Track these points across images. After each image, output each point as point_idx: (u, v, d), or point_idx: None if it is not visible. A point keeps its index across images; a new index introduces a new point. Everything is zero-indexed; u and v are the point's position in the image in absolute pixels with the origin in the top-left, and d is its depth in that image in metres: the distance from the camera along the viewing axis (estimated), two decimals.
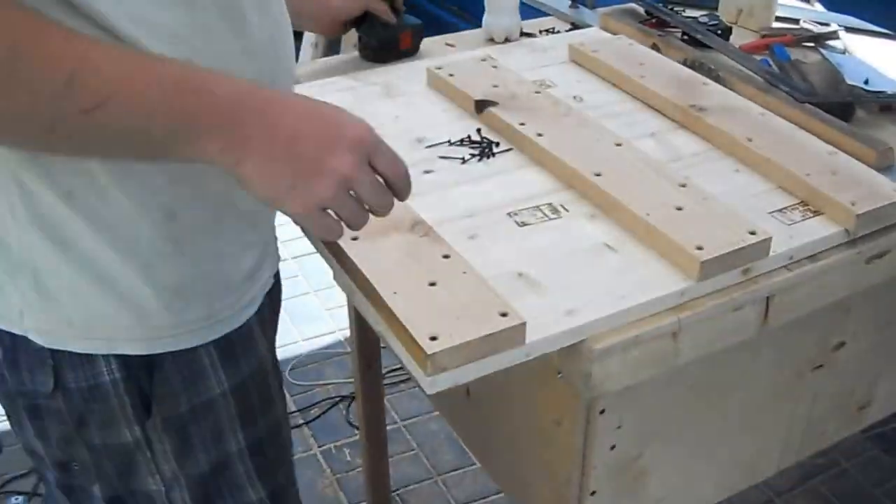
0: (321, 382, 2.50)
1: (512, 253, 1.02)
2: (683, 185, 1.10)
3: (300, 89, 1.24)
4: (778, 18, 1.75)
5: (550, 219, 1.08)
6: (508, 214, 1.09)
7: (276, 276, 1.07)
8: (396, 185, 0.84)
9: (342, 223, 0.83)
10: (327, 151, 0.79)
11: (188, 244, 0.90)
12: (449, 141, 1.25)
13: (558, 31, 1.73)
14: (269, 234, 1.03)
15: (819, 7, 1.91)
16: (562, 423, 1.05)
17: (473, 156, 1.22)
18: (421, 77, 1.43)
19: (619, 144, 1.19)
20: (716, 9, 1.77)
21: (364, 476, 2.11)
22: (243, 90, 0.79)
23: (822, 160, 1.19)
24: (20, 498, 2.11)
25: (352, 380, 2.16)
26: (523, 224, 1.07)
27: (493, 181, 1.16)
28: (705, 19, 1.67)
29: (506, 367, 0.89)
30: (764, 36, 1.69)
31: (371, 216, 0.84)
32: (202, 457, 1.01)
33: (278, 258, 1.07)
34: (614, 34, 1.63)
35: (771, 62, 1.55)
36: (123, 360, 0.92)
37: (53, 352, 0.91)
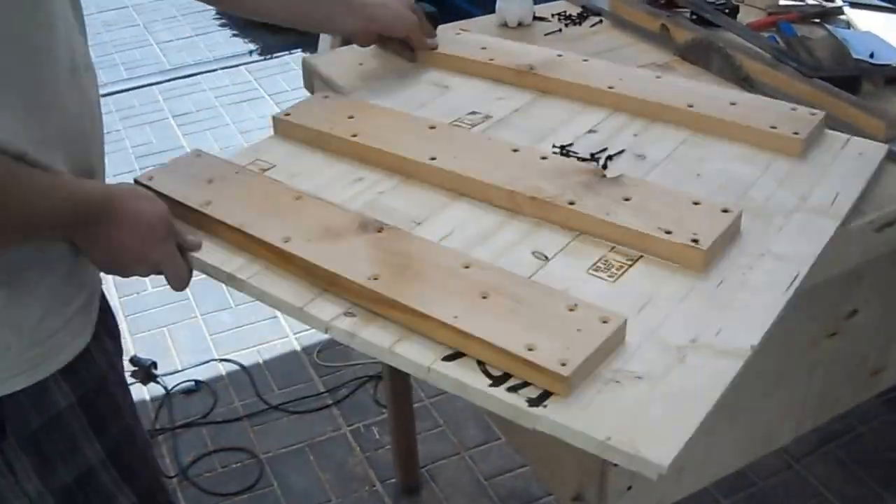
0: (349, 363, 2.52)
1: None
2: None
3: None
4: None
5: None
6: None
7: (104, 306, 1.13)
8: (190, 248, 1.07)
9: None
10: (146, 245, 1.01)
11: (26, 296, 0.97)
12: None
13: (570, 15, 1.76)
14: (97, 278, 1.10)
15: None
16: None
17: None
18: None
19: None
20: None
21: (393, 453, 2.16)
22: (81, 200, 0.96)
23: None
24: None
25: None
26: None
27: None
28: None
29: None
30: (770, 13, 1.71)
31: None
32: (62, 469, 1.05)
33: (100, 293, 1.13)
34: (625, 17, 1.67)
35: (778, 39, 1.58)
36: None
37: None
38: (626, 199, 1.07)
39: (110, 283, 2.66)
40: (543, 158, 1.17)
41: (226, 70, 4.41)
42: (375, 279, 0.97)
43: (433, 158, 1.18)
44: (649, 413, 0.83)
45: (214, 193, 1.14)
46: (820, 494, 2.10)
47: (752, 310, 0.95)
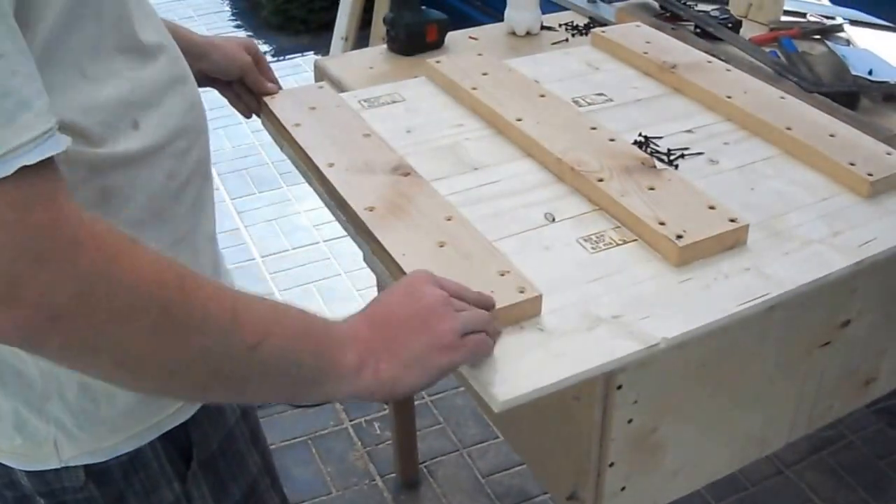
0: None
1: None
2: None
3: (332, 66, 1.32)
4: (786, 12, 1.79)
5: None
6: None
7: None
8: (485, 306, 0.90)
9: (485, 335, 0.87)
10: (431, 323, 0.82)
11: None
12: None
13: (577, 25, 1.79)
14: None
15: (825, 1, 1.94)
16: (581, 398, 1.08)
17: None
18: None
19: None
20: (727, 3, 1.82)
21: (393, 449, 2.18)
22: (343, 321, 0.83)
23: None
24: None
25: None
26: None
27: None
28: (717, 13, 1.72)
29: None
30: (772, 29, 1.73)
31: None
32: (234, 488, 1.02)
33: None
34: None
35: (779, 54, 1.60)
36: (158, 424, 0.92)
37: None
38: (651, 189, 1.13)
39: None
40: (611, 140, 1.24)
41: None
42: (370, 210, 1.10)
43: (519, 119, 1.30)
44: (524, 357, 0.91)
45: (307, 117, 1.33)
46: (810, 500, 2.12)
47: (693, 311, 0.98)
